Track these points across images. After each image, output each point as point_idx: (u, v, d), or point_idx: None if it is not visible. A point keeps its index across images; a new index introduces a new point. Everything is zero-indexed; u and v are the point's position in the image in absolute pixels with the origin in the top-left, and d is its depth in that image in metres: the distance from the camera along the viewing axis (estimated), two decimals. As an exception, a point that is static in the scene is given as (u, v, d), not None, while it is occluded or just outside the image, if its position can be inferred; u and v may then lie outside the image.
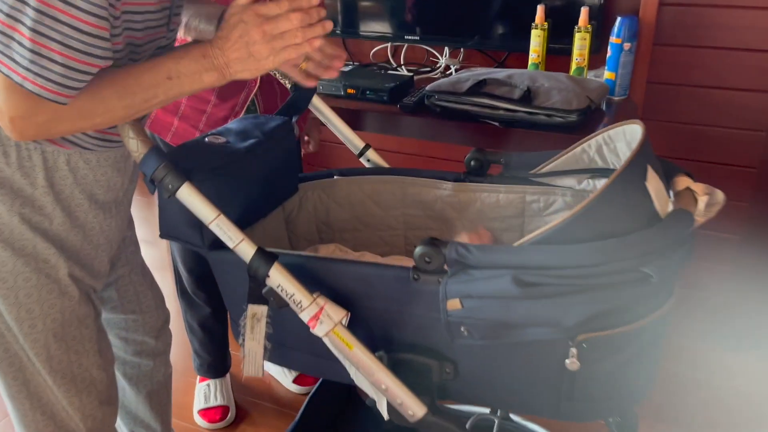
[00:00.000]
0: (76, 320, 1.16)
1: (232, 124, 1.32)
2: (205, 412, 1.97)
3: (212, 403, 1.98)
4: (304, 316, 1.06)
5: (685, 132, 1.98)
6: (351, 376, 1.11)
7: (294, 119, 1.40)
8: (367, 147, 1.44)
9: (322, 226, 1.46)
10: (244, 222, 1.25)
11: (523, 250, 0.96)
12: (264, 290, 1.07)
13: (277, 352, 1.21)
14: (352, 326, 1.10)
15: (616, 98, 1.88)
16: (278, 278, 1.05)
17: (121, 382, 1.52)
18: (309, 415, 1.64)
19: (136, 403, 1.54)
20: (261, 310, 1.11)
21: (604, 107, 1.80)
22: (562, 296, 0.94)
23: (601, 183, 1.23)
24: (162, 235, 1.21)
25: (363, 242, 1.46)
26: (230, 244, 1.06)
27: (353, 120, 1.85)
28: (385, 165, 1.45)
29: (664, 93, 1.98)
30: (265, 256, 1.05)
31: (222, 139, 1.25)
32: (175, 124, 1.60)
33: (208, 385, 2.01)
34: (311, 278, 1.10)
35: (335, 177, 1.42)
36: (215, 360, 1.99)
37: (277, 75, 1.41)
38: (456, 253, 0.98)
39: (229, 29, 0.96)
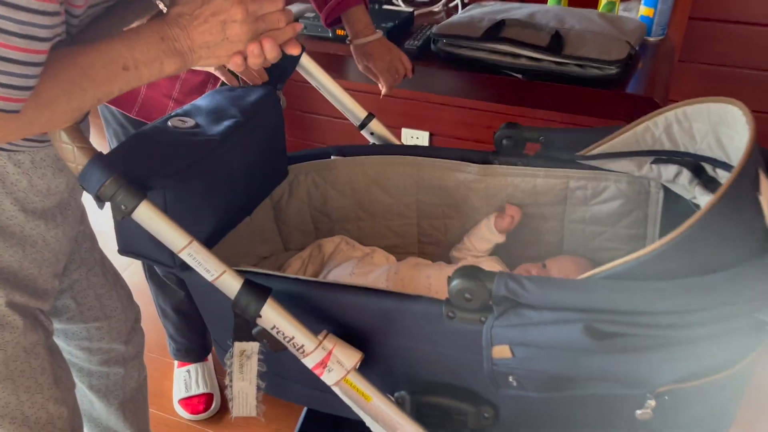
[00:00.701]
0: (22, 353, 0.94)
1: (201, 100, 1.04)
2: (186, 402, 1.77)
3: (194, 391, 1.78)
4: (308, 362, 0.83)
5: (728, 77, 1.72)
6: (366, 424, 0.89)
7: (279, 88, 1.12)
8: (370, 117, 1.18)
9: (318, 215, 1.22)
10: (225, 227, 1.00)
11: (597, 287, 0.73)
12: (255, 330, 0.84)
13: (273, 384, 0.99)
14: (367, 363, 0.88)
15: (652, 39, 1.61)
16: (273, 318, 0.81)
17: (88, 395, 1.31)
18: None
19: (107, 414, 1.34)
20: (251, 347, 0.88)
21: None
22: (651, 350, 0.72)
23: (668, 169, 0.99)
24: (121, 251, 0.96)
25: (369, 233, 1.21)
26: (208, 277, 0.81)
27: (343, 69, 1.56)
28: (393, 139, 1.19)
29: (706, 31, 1.70)
30: (256, 291, 0.81)
31: (189, 122, 0.97)
32: (142, 93, 1.30)
33: (188, 371, 1.81)
34: (315, 311, 0.87)
35: (333, 157, 1.16)
36: (194, 344, 1.78)
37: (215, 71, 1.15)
38: (506, 289, 0.75)
39: (194, 3, 0.76)
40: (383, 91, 1.39)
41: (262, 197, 1.10)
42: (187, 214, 0.90)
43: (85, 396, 1.30)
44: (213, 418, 1.77)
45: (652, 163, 1.00)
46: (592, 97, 1.39)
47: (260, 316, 0.81)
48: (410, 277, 1.04)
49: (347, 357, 0.83)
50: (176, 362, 1.85)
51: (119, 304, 1.23)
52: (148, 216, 0.77)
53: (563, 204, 1.09)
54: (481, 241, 1.14)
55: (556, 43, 1.38)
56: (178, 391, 1.81)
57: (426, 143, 2.08)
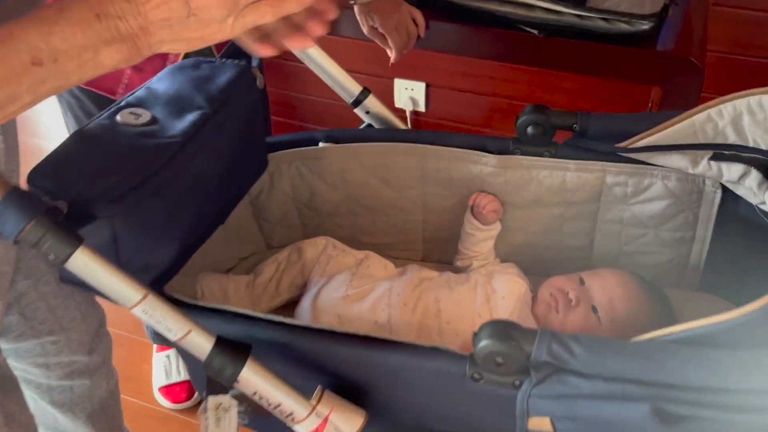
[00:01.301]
0: None
1: (159, 83, 0.84)
2: (167, 390, 1.63)
3: (175, 378, 1.64)
4: (300, 430, 0.68)
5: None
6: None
7: (254, 63, 0.92)
8: (365, 93, 0.98)
9: (304, 209, 1.04)
10: (194, 245, 0.82)
11: (668, 356, 0.57)
12: (232, 393, 0.68)
13: (261, 426, 0.84)
14: (371, 416, 0.72)
15: (686, -18, 1.39)
16: (254, 383, 0.65)
17: (51, 411, 1.16)
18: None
19: (75, 428, 1.20)
20: (228, 400, 0.73)
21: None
22: (735, 436, 0.57)
23: (731, 168, 0.82)
24: (63, 279, 0.78)
25: (365, 230, 1.04)
26: (170, 338, 0.64)
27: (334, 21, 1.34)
28: (393, 119, 1.00)
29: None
30: (232, 352, 0.65)
31: (144, 116, 0.78)
32: (128, 73, 1.09)
33: (168, 356, 1.66)
34: (307, 361, 0.71)
35: (321, 144, 0.97)
36: None
37: None
38: (548, 354, 0.59)
39: None
40: (392, 56, 1.18)
41: (239, 199, 0.91)
42: (144, 243, 0.73)
43: (47, 412, 1.16)
44: (197, 406, 1.64)
45: (711, 159, 0.82)
46: (620, 56, 1.19)
47: (238, 382, 0.65)
48: (415, 303, 0.88)
49: (348, 422, 0.68)
50: (155, 346, 1.70)
51: (78, 314, 1.06)
52: (85, 265, 0.59)
53: (597, 202, 0.92)
54: (476, 243, 0.98)
55: (580, -8, 1.18)
56: (158, 379, 1.67)
57: (422, 95, 1.88)
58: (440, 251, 1.04)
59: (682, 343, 0.58)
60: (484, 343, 0.61)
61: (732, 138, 0.79)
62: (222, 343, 0.65)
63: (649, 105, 1.58)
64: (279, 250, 1.05)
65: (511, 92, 1.80)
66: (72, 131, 1.26)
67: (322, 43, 0.95)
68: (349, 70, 1.94)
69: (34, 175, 0.67)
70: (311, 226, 1.05)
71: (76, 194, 0.65)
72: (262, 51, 0.68)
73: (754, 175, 0.79)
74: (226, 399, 0.72)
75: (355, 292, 0.90)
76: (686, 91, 1.20)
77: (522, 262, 0.99)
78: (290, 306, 0.97)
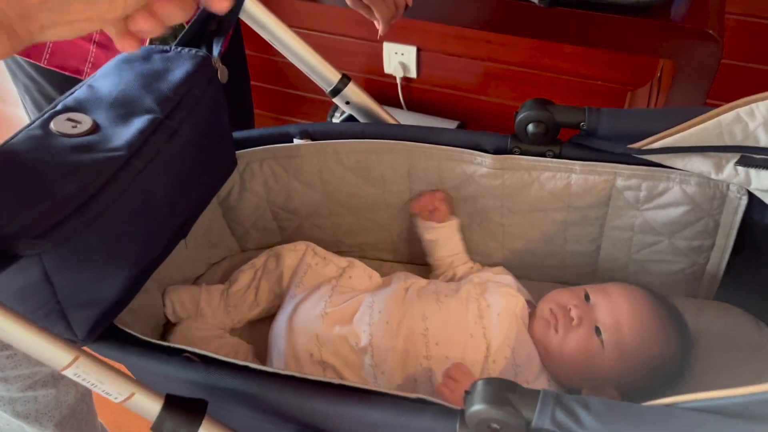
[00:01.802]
0: None
1: (103, 80, 0.73)
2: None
3: None
4: (270, 491, 0.60)
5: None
6: None
7: (216, 51, 0.80)
8: (344, 81, 0.87)
9: (280, 212, 0.93)
10: (149, 269, 0.72)
11: (695, 427, 0.48)
12: (190, 452, 0.59)
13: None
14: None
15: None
16: (214, 446, 0.57)
17: (14, 421, 1.08)
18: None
19: (43, 435, 1.12)
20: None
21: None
22: None
23: (762, 176, 0.71)
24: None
25: (347, 230, 0.94)
26: (114, 400, 0.55)
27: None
28: (377, 108, 0.89)
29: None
30: (183, 413, 0.56)
31: (84, 123, 0.67)
32: (93, 51, 0.96)
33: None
34: (276, 411, 0.62)
35: (296, 141, 0.86)
36: None
37: None
38: (552, 423, 0.51)
39: None
40: (380, 28, 1.06)
41: (203, 207, 0.81)
42: (84, 278, 0.63)
43: (11, 422, 1.08)
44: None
45: (738, 164, 0.72)
46: (628, 28, 1.08)
47: (195, 445, 0.56)
48: (400, 321, 0.78)
49: (324, 482, 0.59)
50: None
51: None
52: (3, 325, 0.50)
53: (605, 207, 0.82)
54: (443, 246, 0.89)
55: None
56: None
57: (413, 60, 1.76)
58: (430, 254, 0.94)
59: (711, 413, 0.49)
60: (477, 408, 0.52)
61: (764, 141, 0.69)
62: (172, 403, 0.56)
63: (658, 74, 1.47)
64: (255, 252, 0.96)
65: (508, 57, 1.68)
66: (32, 116, 1.14)
67: (308, 7, 0.83)
68: (336, 34, 1.82)
69: (-56, 204, 0.56)
70: (289, 228, 0.95)
71: (-5, 229, 0.55)
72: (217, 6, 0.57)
73: (788, 185, 0.69)
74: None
75: (333, 310, 0.81)
76: (703, 66, 1.08)
77: (522, 269, 0.90)
78: (265, 322, 0.88)
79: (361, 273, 0.87)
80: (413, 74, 1.79)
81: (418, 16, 1.23)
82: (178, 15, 0.55)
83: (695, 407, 0.50)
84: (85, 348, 0.54)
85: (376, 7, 1.03)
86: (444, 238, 0.89)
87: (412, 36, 1.73)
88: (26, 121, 1.16)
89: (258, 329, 0.89)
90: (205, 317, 0.87)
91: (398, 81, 1.81)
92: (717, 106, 1.35)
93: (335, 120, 1.76)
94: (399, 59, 1.77)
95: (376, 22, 1.05)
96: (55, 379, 1.06)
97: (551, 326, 0.79)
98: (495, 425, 0.53)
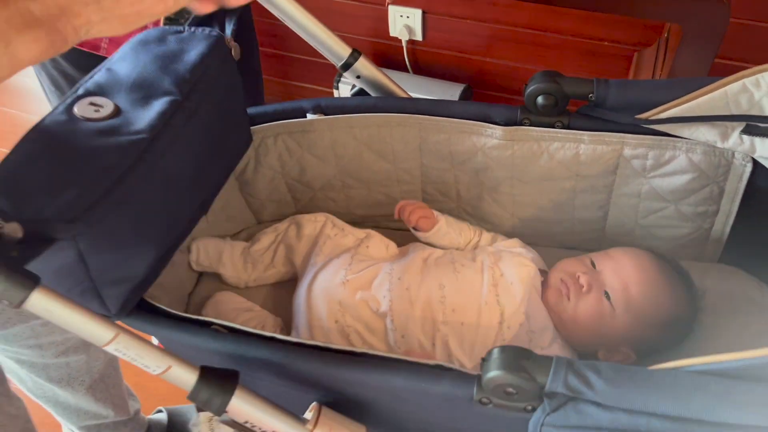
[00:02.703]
0: None
1: (121, 64, 0.74)
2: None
3: None
4: (298, 453, 0.64)
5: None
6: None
7: (229, 30, 0.81)
8: (355, 55, 0.88)
9: (295, 184, 0.96)
10: (173, 246, 0.75)
11: (693, 391, 0.52)
12: (222, 419, 0.63)
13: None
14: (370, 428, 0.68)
15: None
16: (245, 412, 0.60)
17: (47, 386, 1.14)
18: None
19: (75, 399, 1.19)
20: (222, 414, 0.68)
21: None
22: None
23: (767, 143, 0.73)
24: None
25: (360, 202, 0.97)
26: (152, 372, 0.59)
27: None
28: (387, 82, 0.90)
29: None
30: (218, 382, 0.59)
31: (106, 107, 0.69)
32: None
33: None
34: (302, 378, 0.65)
35: (309, 116, 0.88)
36: None
37: None
38: (565, 386, 0.54)
39: None
40: None
41: (222, 184, 0.83)
42: (115, 257, 0.66)
43: (45, 386, 1.13)
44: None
45: (743, 132, 0.74)
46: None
47: (227, 412, 0.60)
48: (418, 288, 0.81)
49: (348, 444, 0.63)
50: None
51: None
52: (45, 309, 0.53)
53: (613, 175, 0.84)
54: (439, 241, 0.92)
55: None
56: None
57: (418, 23, 1.75)
58: (442, 223, 0.97)
59: (714, 375, 0.52)
60: (493, 374, 0.55)
61: (768, 110, 0.71)
62: (207, 374, 0.59)
63: (665, 35, 1.46)
64: (271, 224, 0.98)
65: (513, 19, 1.67)
66: (50, 95, 1.16)
67: None
68: (340, -2, 1.80)
69: (-17, 190, 0.59)
70: (303, 200, 0.97)
71: (32, 214, 0.58)
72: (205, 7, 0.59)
73: (793, 153, 0.71)
74: (217, 414, 0.68)
75: (354, 277, 0.84)
76: (711, 28, 1.09)
77: (531, 236, 0.92)
78: (289, 291, 0.92)
79: (378, 243, 0.90)
80: (419, 37, 1.79)
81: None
82: None
83: (698, 370, 0.53)
84: (122, 324, 0.57)
85: None
86: (437, 239, 0.91)
87: (417, -1, 1.72)
88: (41, 92, 1.19)
89: (282, 298, 0.92)
90: (225, 268, 0.91)
91: (404, 44, 1.80)
92: (725, 65, 1.37)
93: (342, 86, 1.77)
94: (404, 22, 1.77)
95: None
96: (86, 345, 1.11)
97: (563, 295, 0.82)
98: (510, 389, 0.56)
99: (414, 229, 0.91)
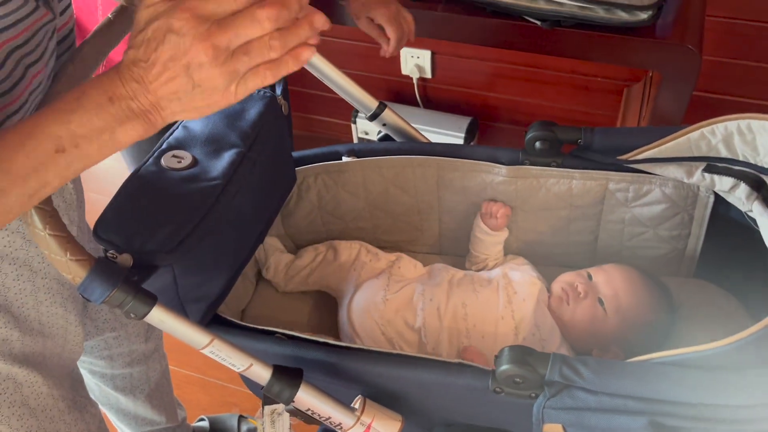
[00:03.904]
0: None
1: (194, 122, 0.91)
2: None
3: None
4: (347, 436, 0.79)
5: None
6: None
7: (279, 90, 0.98)
8: (382, 107, 1.05)
9: (329, 217, 1.12)
10: (239, 269, 0.92)
11: (662, 377, 0.68)
12: (287, 408, 0.79)
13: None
14: (404, 415, 0.84)
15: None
16: (308, 401, 0.76)
17: (113, 394, 1.30)
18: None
19: (135, 407, 1.34)
20: (281, 406, 0.84)
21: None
22: (719, 442, 0.68)
23: (723, 181, 0.89)
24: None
25: (386, 230, 1.13)
26: (236, 369, 0.75)
27: (329, 10, 1.38)
28: (409, 129, 1.07)
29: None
30: (287, 378, 0.75)
31: (186, 159, 0.86)
32: None
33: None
34: (349, 376, 0.81)
35: (345, 159, 1.05)
36: None
37: None
38: (560, 375, 0.70)
39: (149, 45, 0.55)
40: (390, 47, 1.21)
41: (275, 218, 1.00)
42: (198, 280, 0.82)
43: (110, 395, 1.29)
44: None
45: (705, 171, 0.90)
46: (619, 44, 1.24)
47: (294, 401, 0.76)
48: (445, 307, 0.97)
49: (387, 428, 0.79)
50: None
51: None
52: (160, 320, 0.69)
53: (600, 204, 1.00)
54: (487, 246, 1.07)
55: (581, -16, 1.21)
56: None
57: (428, 63, 1.92)
58: (456, 246, 1.13)
59: (675, 365, 0.68)
60: (504, 367, 0.71)
61: (724, 153, 0.87)
62: (279, 371, 0.75)
63: (650, 73, 1.63)
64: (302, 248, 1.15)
65: (514, 58, 1.84)
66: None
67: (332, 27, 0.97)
68: (355, 40, 1.98)
69: (100, 228, 0.74)
70: (335, 231, 1.14)
71: (139, 247, 0.73)
72: None
73: (743, 188, 0.87)
74: (279, 406, 0.84)
75: (393, 297, 0.99)
76: (684, 74, 1.25)
77: (533, 256, 1.08)
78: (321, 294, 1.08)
79: (408, 263, 1.06)
80: (428, 75, 1.95)
81: (434, 36, 1.41)
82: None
83: (664, 362, 0.69)
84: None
85: (389, 26, 1.17)
86: (489, 242, 1.06)
87: (426, 41, 1.89)
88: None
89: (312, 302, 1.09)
90: (269, 272, 1.09)
91: (415, 81, 1.97)
92: (707, 98, 1.55)
93: (359, 120, 1.94)
94: (415, 62, 1.93)
95: (384, 44, 1.19)
96: (146, 357, 1.27)
97: (563, 301, 0.98)
98: (518, 379, 0.72)
99: (485, 224, 1.04)
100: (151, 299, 0.68)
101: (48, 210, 0.65)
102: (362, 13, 1.19)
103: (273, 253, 1.10)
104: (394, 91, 2.04)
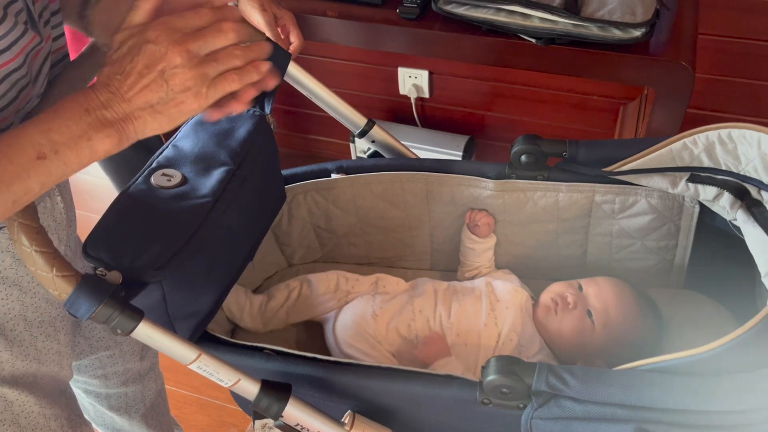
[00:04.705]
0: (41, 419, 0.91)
1: (184, 141, 0.93)
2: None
3: None
4: (336, 449, 0.80)
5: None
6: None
7: (268, 108, 1.00)
8: (370, 124, 1.07)
9: (322, 232, 1.13)
10: (229, 286, 0.93)
11: (646, 384, 0.68)
12: (276, 424, 0.79)
13: None
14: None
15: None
16: (296, 416, 0.77)
17: (109, 414, 1.30)
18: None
19: (131, 426, 1.34)
20: (272, 422, 0.85)
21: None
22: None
23: (706, 190, 0.90)
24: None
25: (376, 246, 1.14)
26: (223, 385, 0.75)
27: (333, 31, 1.41)
28: (398, 145, 1.08)
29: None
30: (276, 392, 0.76)
31: (175, 177, 0.87)
32: None
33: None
34: (338, 390, 0.82)
35: (334, 176, 1.06)
36: None
37: None
38: (546, 385, 0.70)
39: (123, 60, 0.61)
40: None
41: (264, 235, 1.01)
42: (188, 296, 0.83)
43: (105, 414, 1.29)
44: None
45: (689, 181, 0.91)
46: (614, 61, 1.25)
47: (282, 416, 0.77)
48: (432, 318, 0.98)
49: (376, 441, 0.79)
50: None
51: None
52: (147, 335, 0.70)
53: (588, 217, 1.01)
54: (477, 255, 1.08)
55: (573, 3, 1.23)
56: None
57: (425, 83, 1.95)
58: (447, 260, 1.14)
59: (660, 372, 0.68)
60: (490, 377, 0.72)
61: (706, 163, 0.87)
62: (267, 386, 0.76)
63: (645, 91, 1.64)
64: (301, 267, 1.16)
65: (511, 77, 1.86)
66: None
67: (329, 46, 0.95)
68: (353, 60, 2.00)
69: (89, 246, 0.76)
70: (329, 245, 1.15)
71: (128, 264, 0.75)
72: (234, 107, 0.71)
73: (726, 197, 0.88)
74: (270, 420, 0.84)
75: (382, 311, 1.00)
76: (678, 90, 1.26)
77: (523, 270, 1.09)
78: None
79: (391, 281, 1.07)
80: (426, 95, 1.97)
81: (430, 54, 1.43)
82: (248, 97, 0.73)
83: (649, 369, 0.69)
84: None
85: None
86: (479, 250, 1.07)
87: (424, 61, 1.91)
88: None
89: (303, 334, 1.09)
90: (246, 323, 1.06)
91: (413, 101, 1.99)
92: (701, 115, 1.55)
93: (357, 139, 1.96)
94: (413, 82, 1.96)
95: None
96: (141, 376, 1.27)
97: (552, 310, 0.98)
98: (505, 389, 0.72)
99: (471, 232, 1.05)
100: (137, 314, 0.69)
101: (35, 227, 0.67)
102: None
103: (238, 302, 1.07)
104: (393, 110, 2.06)
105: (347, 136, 2.01)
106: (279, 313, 1.08)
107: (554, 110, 1.88)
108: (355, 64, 2.00)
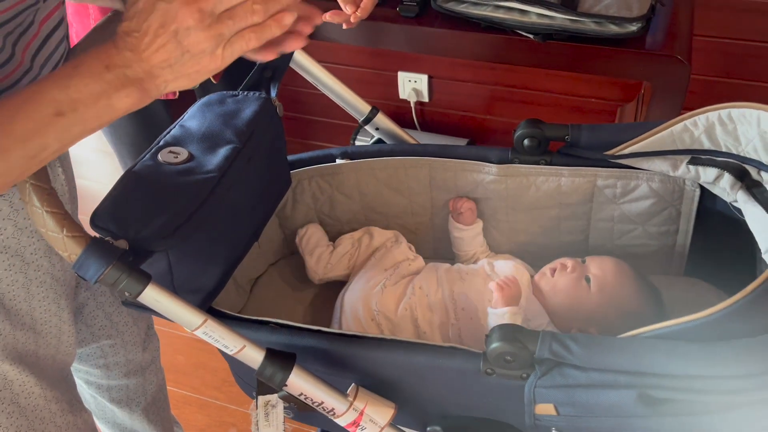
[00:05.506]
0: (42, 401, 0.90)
1: (191, 120, 0.94)
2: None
3: None
4: (340, 422, 0.80)
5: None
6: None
7: (273, 92, 1.01)
8: (374, 111, 1.08)
9: (325, 218, 1.14)
10: (234, 264, 0.93)
11: (649, 350, 0.68)
12: (280, 395, 0.79)
13: (302, 418, 0.96)
14: (399, 405, 0.84)
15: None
16: (300, 385, 0.77)
17: (109, 407, 1.29)
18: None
19: (131, 420, 1.34)
20: (275, 397, 0.84)
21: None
22: (707, 414, 0.68)
23: (707, 172, 0.91)
24: (125, 304, 0.89)
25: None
26: (228, 352, 0.76)
27: (333, 29, 1.43)
28: (401, 133, 1.09)
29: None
30: (280, 361, 0.76)
31: (182, 154, 0.88)
32: None
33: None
34: (342, 363, 0.82)
35: (338, 161, 1.07)
36: None
37: None
38: (549, 352, 0.71)
39: (140, 16, 0.59)
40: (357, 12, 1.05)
41: (269, 217, 1.02)
42: (193, 269, 0.84)
43: (106, 407, 1.29)
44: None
45: (689, 163, 0.92)
46: (611, 56, 1.28)
47: (287, 385, 0.77)
48: (435, 296, 0.99)
49: (380, 414, 0.79)
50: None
51: (130, 318, 1.18)
52: (155, 299, 0.71)
53: (590, 202, 1.02)
54: (468, 243, 1.09)
55: (570, -1, 1.25)
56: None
57: (425, 87, 1.96)
58: (449, 248, 1.14)
59: (662, 338, 0.69)
60: (494, 345, 0.72)
61: (707, 145, 0.89)
62: (271, 354, 0.76)
63: (642, 92, 1.67)
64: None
65: (510, 81, 1.88)
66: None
67: (329, 50, 0.97)
68: (355, 65, 2.03)
69: (97, 217, 0.76)
70: (332, 232, 1.15)
71: (134, 233, 0.75)
72: (261, 56, 0.75)
73: (727, 178, 0.89)
74: (273, 397, 0.84)
75: (390, 287, 1.02)
76: (674, 85, 1.28)
77: (525, 257, 1.09)
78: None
79: (421, 264, 1.09)
80: (426, 99, 1.99)
81: (429, 52, 1.45)
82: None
83: (651, 335, 0.70)
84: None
85: None
86: (467, 238, 1.08)
87: (423, 65, 1.93)
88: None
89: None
90: (312, 259, 1.10)
91: (412, 105, 2.00)
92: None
93: (358, 143, 1.98)
94: (412, 86, 1.97)
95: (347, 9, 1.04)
96: (143, 368, 1.27)
97: (548, 274, 1.00)
98: (508, 357, 0.72)
99: (456, 221, 1.07)
100: (145, 277, 0.70)
101: (46, 188, 0.67)
102: None
103: (318, 241, 1.12)
104: (393, 115, 2.03)
105: (347, 141, 2.03)
106: (343, 260, 1.10)
107: (553, 113, 1.89)
108: (355, 68, 2.02)
